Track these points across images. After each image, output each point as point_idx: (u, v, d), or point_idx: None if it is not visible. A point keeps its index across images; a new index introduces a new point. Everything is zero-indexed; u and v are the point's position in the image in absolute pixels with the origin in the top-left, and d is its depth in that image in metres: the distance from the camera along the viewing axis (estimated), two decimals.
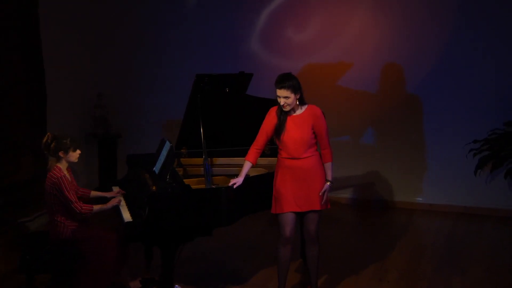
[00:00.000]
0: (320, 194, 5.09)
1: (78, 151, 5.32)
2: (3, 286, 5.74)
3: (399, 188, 7.71)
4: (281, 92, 4.99)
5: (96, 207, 5.31)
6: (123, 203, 5.48)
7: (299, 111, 5.08)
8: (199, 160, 5.87)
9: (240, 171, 5.26)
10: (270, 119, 5.12)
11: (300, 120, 5.06)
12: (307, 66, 7.69)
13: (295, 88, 4.99)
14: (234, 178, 5.23)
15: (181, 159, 5.99)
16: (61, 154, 5.24)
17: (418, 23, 7.40)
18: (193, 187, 5.24)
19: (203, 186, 5.47)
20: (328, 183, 5.14)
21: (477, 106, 7.30)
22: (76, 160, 5.35)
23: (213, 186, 5.42)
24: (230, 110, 5.84)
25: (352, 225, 7.33)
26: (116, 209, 5.45)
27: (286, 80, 4.98)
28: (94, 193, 5.65)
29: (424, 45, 7.41)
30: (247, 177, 5.24)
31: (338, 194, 7.79)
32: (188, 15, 8.04)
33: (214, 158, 5.97)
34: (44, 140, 5.28)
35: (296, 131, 5.04)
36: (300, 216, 5.19)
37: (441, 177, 7.53)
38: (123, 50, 8.26)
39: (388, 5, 7.47)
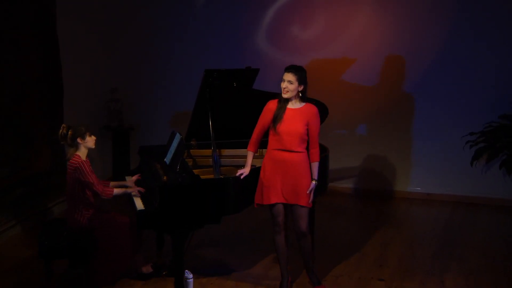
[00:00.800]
0: (308, 192, 5.09)
1: (94, 137, 5.37)
2: (25, 270, 5.82)
3: (398, 179, 7.73)
4: (287, 76, 5.00)
5: (117, 190, 5.38)
6: (135, 192, 5.56)
7: (297, 105, 5.09)
8: (208, 152, 5.95)
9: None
10: (268, 109, 5.13)
11: (297, 113, 5.06)
12: (311, 62, 7.70)
13: (301, 78, 5.01)
14: (241, 168, 5.28)
15: (191, 150, 6.04)
16: (79, 140, 5.28)
17: (419, 21, 7.41)
18: (202, 177, 5.30)
19: (211, 176, 5.51)
20: (314, 182, 5.13)
21: (474, 100, 7.32)
22: (94, 146, 5.39)
23: (221, 176, 5.46)
24: (237, 104, 5.83)
25: (354, 214, 7.34)
26: (129, 198, 5.53)
27: (296, 68, 5.03)
28: (113, 183, 5.68)
29: (423, 42, 7.43)
30: (253, 168, 5.28)
31: (340, 184, 7.82)
32: (198, 13, 8.06)
33: (222, 150, 6.01)
34: (60, 131, 5.32)
35: (292, 123, 5.03)
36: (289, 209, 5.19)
37: (439, 167, 7.55)
38: (136, 48, 8.31)
39: (390, 3, 7.51)
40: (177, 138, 5.61)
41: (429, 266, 5.87)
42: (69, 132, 5.29)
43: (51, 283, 5.32)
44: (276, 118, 5.06)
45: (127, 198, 5.58)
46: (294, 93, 5.04)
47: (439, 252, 6.17)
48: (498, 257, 6.06)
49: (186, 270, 5.25)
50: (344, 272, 5.73)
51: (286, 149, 5.06)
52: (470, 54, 7.29)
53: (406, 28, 7.47)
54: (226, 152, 6.05)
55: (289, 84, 5.00)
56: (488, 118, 7.12)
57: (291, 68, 5.03)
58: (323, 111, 6.12)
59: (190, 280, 5.24)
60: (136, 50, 8.31)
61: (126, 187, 5.64)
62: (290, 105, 5.09)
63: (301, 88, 5.05)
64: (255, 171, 5.28)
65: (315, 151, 5.13)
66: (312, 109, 5.12)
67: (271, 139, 5.13)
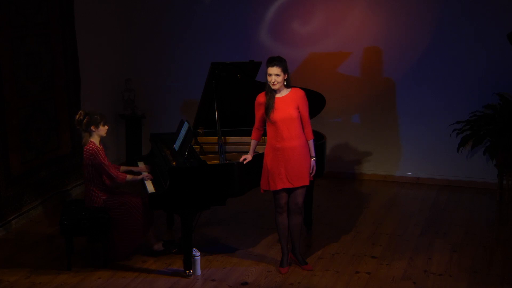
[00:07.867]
0: (311, 172, 5.15)
1: (106, 126, 5.40)
2: (48, 246, 5.89)
3: (391, 164, 7.67)
4: (272, 70, 4.99)
5: (129, 177, 5.42)
6: (146, 178, 5.57)
7: (284, 93, 5.08)
8: (214, 139, 5.97)
9: (249, 148, 5.33)
10: (259, 103, 5.13)
11: (286, 100, 5.05)
12: (309, 56, 7.69)
13: (285, 68, 5.01)
14: (245, 154, 5.30)
15: (198, 137, 6.06)
16: (93, 128, 5.31)
17: (410, 14, 7.30)
18: (209, 162, 5.32)
19: (217, 161, 5.54)
20: (313, 159, 5.16)
21: (460, 91, 7.27)
22: (105, 134, 5.42)
23: (226, 162, 5.51)
24: (242, 94, 5.84)
25: (349, 196, 7.30)
26: (141, 181, 5.56)
27: (278, 60, 5.01)
28: (123, 168, 5.72)
29: (414, 36, 7.33)
30: (256, 154, 5.31)
31: (336, 168, 7.80)
32: (206, 9, 8.02)
33: (227, 137, 6.02)
34: (77, 117, 5.35)
35: (284, 110, 5.02)
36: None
37: (427, 154, 7.50)
38: (148, 41, 8.28)
39: (381, 2, 7.50)
40: (185, 126, 5.64)
41: (417, 241, 5.90)
42: (85, 119, 5.32)
43: (71, 257, 5.38)
44: (268, 108, 5.05)
45: (140, 182, 5.60)
46: (282, 83, 5.04)
47: (426, 229, 6.17)
48: (478, 232, 6.09)
49: (194, 248, 5.28)
50: (340, 250, 5.74)
51: (284, 137, 5.05)
52: (460, 47, 7.24)
53: (398, 22, 7.39)
54: (231, 139, 6.06)
55: (276, 77, 4.99)
56: (473, 108, 7.10)
57: (274, 61, 5.01)
58: (321, 101, 6.14)
59: (198, 257, 5.27)
60: (148, 44, 8.30)
61: (136, 173, 5.66)
62: (278, 94, 5.08)
63: (286, 77, 5.05)
64: (257, 157, 5.29)
65: (309, 130, 5.14)
66: (299, 92, 5.11)
67: (269, 129, 5.13)
